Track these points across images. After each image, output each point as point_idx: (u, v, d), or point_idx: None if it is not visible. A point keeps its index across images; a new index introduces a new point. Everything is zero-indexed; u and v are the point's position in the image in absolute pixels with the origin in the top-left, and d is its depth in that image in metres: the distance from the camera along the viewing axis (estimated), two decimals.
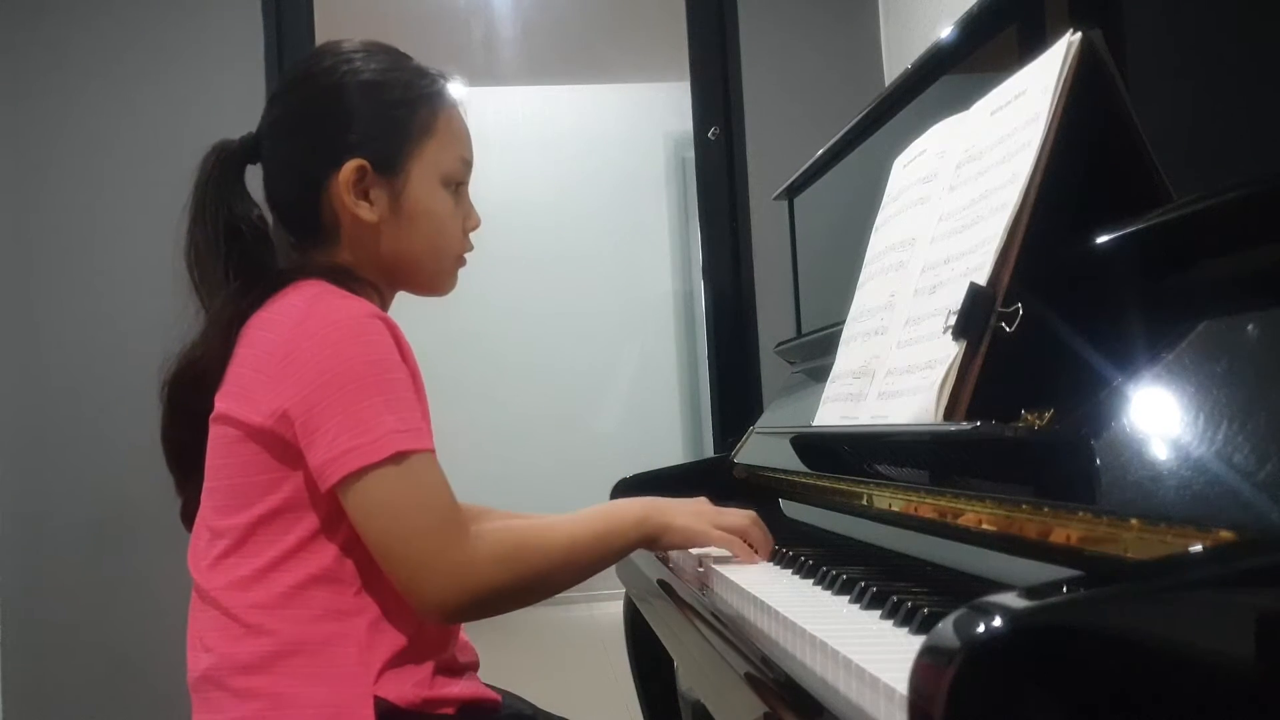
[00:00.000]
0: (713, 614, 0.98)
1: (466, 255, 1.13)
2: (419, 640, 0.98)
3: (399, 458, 0.91)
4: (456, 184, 1.09)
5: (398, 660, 0.96)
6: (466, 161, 1.11)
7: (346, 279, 1.02)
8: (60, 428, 2.37)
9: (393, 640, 0.96)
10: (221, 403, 0.99)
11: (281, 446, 0.95)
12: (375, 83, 1.05)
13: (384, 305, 1.09)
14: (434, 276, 1.12)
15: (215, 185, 1.05)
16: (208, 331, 1.03)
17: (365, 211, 1.04)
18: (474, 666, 1.08)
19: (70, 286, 2.39)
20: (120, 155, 2.40)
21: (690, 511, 1.07)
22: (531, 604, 0.98)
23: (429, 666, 0.98)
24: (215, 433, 1.00)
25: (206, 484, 1.01)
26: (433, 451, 0.94)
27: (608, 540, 1.02)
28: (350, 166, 1.02)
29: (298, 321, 0.95)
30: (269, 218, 1.09)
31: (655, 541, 1.06)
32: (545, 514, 1.32)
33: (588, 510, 1.04)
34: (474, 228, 1.13)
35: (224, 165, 1.06)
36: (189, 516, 1.05)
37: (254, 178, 1.09)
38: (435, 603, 0.93)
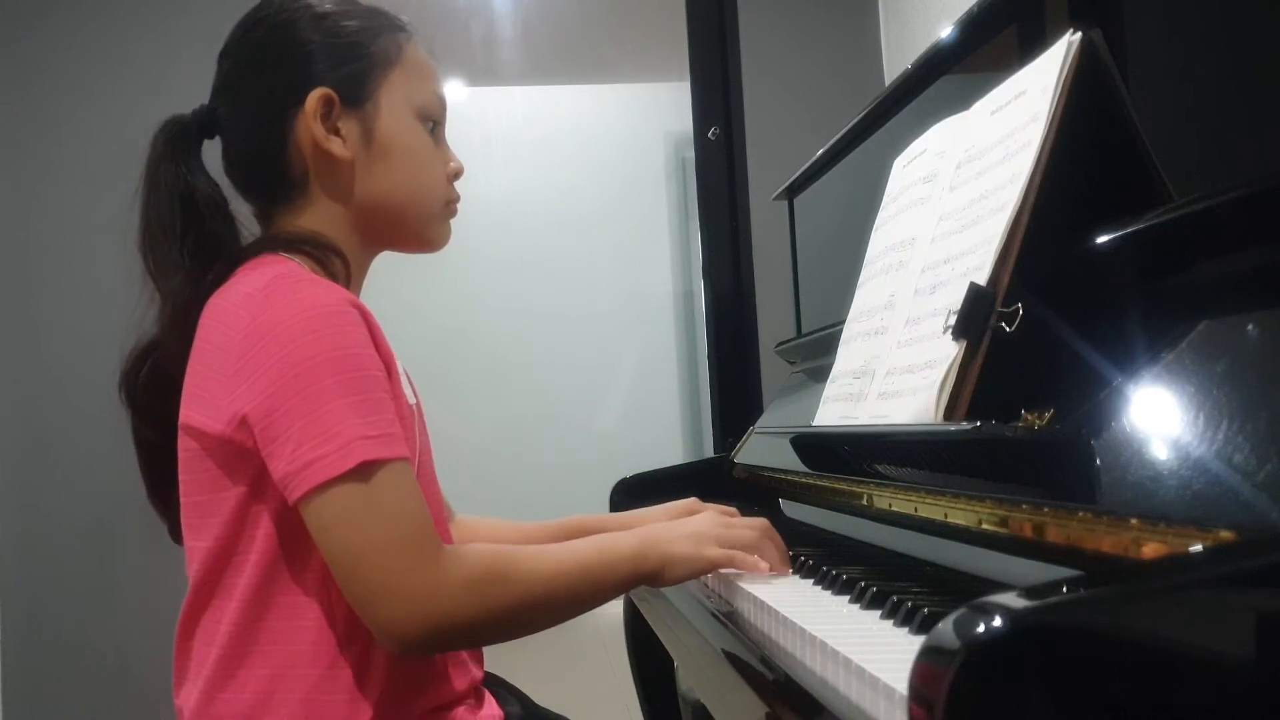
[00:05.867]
0: (712, 614, 0.98)
1: (458, 207, 1.06)
2: (411, 679, 0.91)
3: (365, 469, 0.81)
4: (433, 123, 1.03)
5: (389, 704, 0.89)
6: (440, 98, 1.04)
7: (312, 248, 0.95)
8: (60, 428, 2.37)
9: (381, 682, 0.89)
10: (184, 409, 0.91)
11: (241, 456, 0.86)
12: (329, 13, 0.99)
13: (358, 272, 1.01)
14: (422, 225, 1.03)
15: (168, 162, 0.98)
16: (164, 317, 0.95)
17: (338, 147, 0.96)
18: (474, 688, 1.00)
19: (70, 286, 2.39)
20: (119, 155, 2.39)
21: (689, 534, 0.96)
22: (505, 640, 0.89)
23: (421, 707, 0.92)
24: (181, 443, 0.92)
25: (181, 499, 0.94)
26: (405, 459, 0.85)
27: (598, 576, 0.91)
28: (315, 96, 0.96)
29: (254, 313, 0.86)
30: (227, 196, 1.00)
31: (657, 578, 0.94)
32: (537, 527, 1.23)
33: (580, 541, 0.95)
34: (456, 174, 1.05)
35: (177, 141, 0.99)
36: (178, 536, 0.97)
37: (210, 163, 1.01)
38: (393, 631, 0.82)
